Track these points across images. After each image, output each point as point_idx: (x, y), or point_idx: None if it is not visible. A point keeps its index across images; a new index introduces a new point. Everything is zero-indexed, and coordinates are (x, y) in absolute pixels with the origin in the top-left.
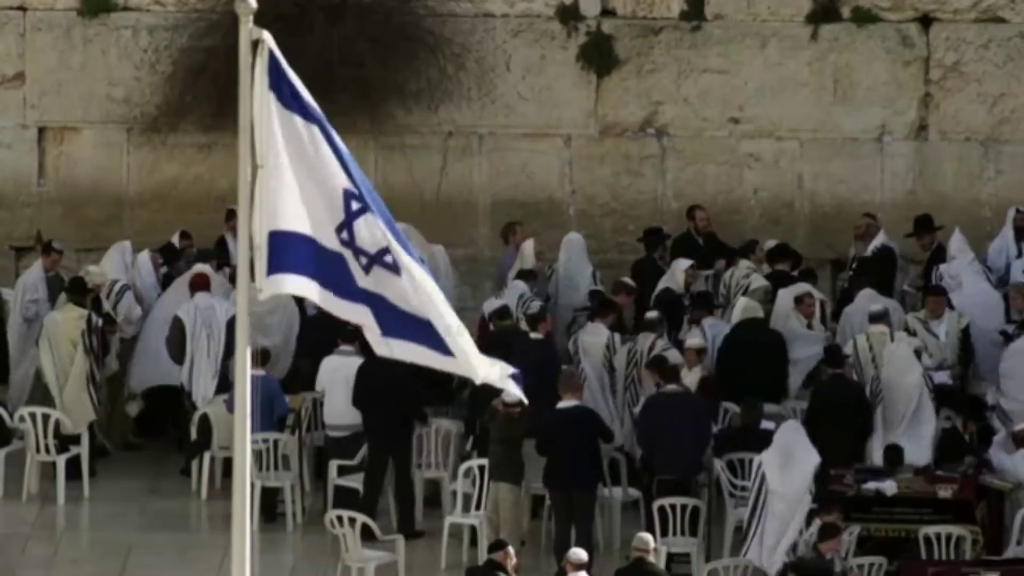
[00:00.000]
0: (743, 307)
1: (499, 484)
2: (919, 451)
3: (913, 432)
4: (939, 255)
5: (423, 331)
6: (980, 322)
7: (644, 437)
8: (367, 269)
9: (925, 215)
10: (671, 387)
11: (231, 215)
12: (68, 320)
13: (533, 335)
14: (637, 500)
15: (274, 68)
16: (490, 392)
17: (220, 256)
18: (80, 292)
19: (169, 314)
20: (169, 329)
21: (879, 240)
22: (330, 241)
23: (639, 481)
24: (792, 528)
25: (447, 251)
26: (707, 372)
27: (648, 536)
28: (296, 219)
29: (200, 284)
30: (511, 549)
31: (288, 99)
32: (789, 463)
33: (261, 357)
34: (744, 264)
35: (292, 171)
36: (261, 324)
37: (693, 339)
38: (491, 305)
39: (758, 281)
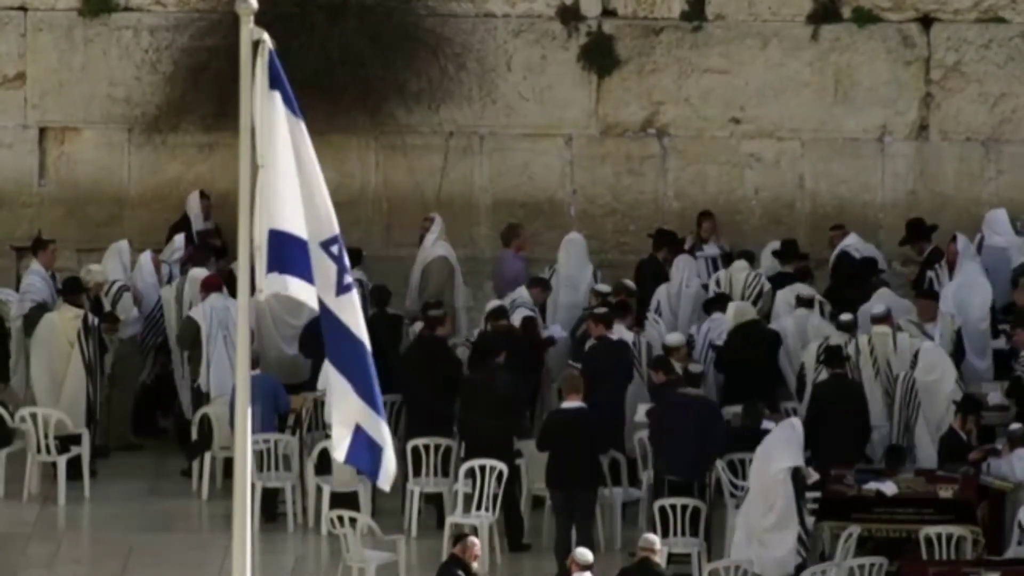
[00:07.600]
0: (735, 311)
1: None
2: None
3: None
4: (935, 258)
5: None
6: (971, 313)
7: (652, 436)
8: (342, 291)
9: (917, 219)
10: (689, 389)
11: (203, 195)
12: (64, 320)
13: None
14: (638, 500)
15: (276, 68)
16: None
17: (186, 229)
18: (75, 292)
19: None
20: (180, 328)
21: (842, 245)
22: (316, 250)
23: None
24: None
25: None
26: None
27: (654, 536)
28: (295, 221)
29: (213, 285)
30: (472, 540)
31: (289, 99)
32: (766, 462)
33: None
34: (739, 265)
35: (294, 172)
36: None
37: (672, 336)
38: (491, 306)
39: (767, 286)
